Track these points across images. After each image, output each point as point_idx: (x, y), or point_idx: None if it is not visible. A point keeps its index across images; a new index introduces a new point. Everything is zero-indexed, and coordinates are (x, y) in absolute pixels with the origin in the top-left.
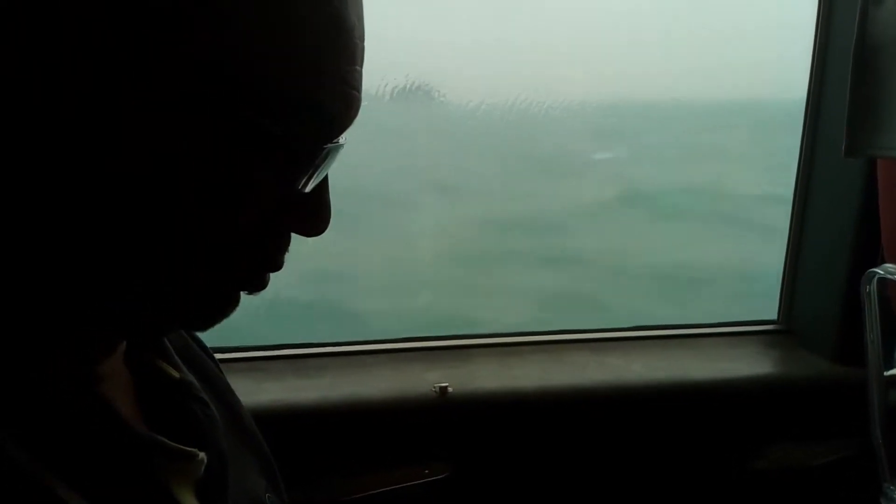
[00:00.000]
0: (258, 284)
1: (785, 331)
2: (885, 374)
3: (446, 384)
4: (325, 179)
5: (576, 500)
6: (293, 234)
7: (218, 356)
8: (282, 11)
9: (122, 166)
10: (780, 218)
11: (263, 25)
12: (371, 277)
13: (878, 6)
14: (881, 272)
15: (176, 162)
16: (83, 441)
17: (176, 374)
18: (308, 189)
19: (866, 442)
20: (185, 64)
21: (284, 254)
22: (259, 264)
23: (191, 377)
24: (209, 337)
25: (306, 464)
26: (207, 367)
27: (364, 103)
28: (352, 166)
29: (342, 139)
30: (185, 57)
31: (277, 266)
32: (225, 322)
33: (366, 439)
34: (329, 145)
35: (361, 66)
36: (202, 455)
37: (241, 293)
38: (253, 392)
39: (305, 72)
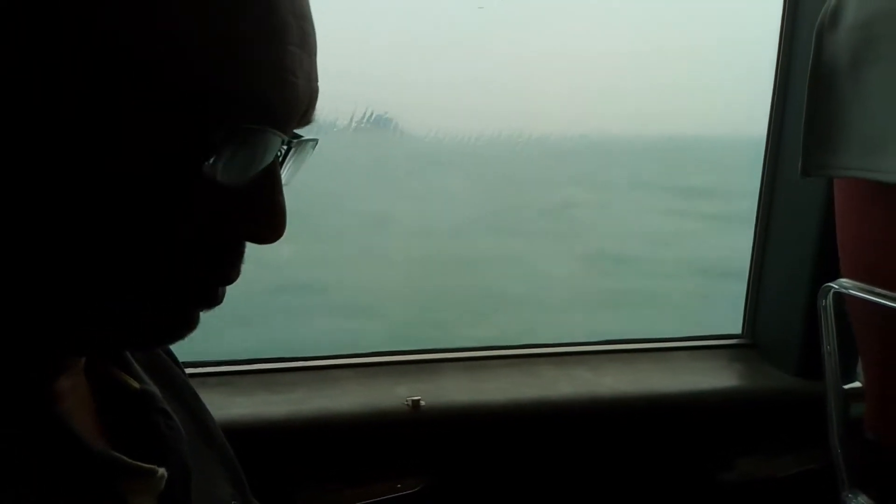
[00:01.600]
0: (211, 299)
1: (749, 345)
2: (844, 387)
3: (418, 398)
4: (276, 179)
5: None
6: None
7: (189, 370)
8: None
9: (47, 178)
10: None
11: (170, 18)
12: None
13: (833, 30)
14: (836, 286)
15: (101, 165)
16: (40, 462)
17: (137, 386)
18: (225, 181)
19: (828, 453)
20: (97, 47)
21: (238, 266)
22: (209, 277)
23: (153, 388)
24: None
25: (278, 479)
26: (174, 375)
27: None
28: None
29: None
30: (95, 37)
31: (230, 279)
32: None
33: (337, 454)
34: (246, 126)
35: (302, 47)
36: (161, 471)
37: (198, 312)
38: (223, 406)
39: (225, 54)
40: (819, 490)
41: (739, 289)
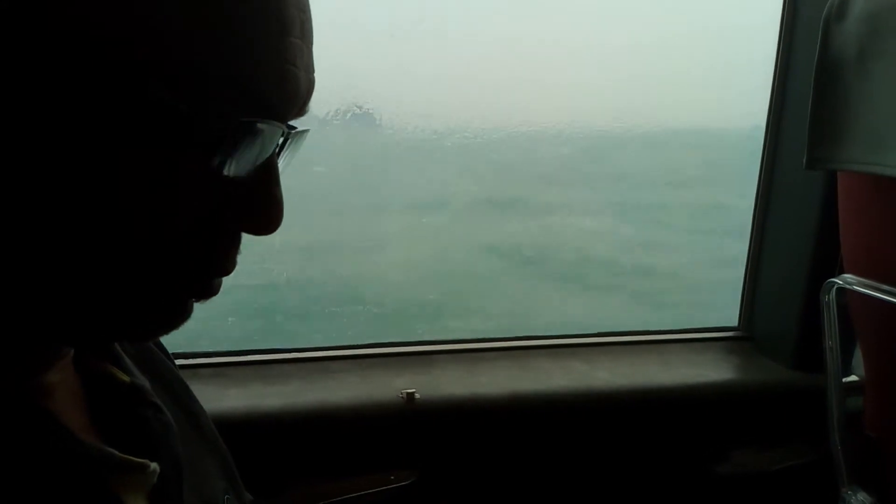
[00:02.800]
0: (206, 290)
1: (745, 337)
2: (843, 380)
3: (413, 390)
4: (273, 171)
5: None
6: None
7: (181, 362)
8: None
9: (45, 171)
10: None
11: (173, 9)
12: None
13: (840, 21)
14: (840, 282)
15: (97, 157)
16: (30, 457)
17: (126, 379)
18: (232, 173)
19: (824, 447)
20: (89, 56)
21: (234, 257)
22: (206, 268)
23: (143, 381)
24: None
25: (272, 471)
26: (164, 367)
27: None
28: None
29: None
30: (89, 48)
31: (227, 270)
32: None
33: (332, 446)
34: (250, 119)
35: (302, 38)
36: (153, 465)
37: (192, 302)
38: (217, 398)
39: (227, 48)
40: (815, 484)
41: None
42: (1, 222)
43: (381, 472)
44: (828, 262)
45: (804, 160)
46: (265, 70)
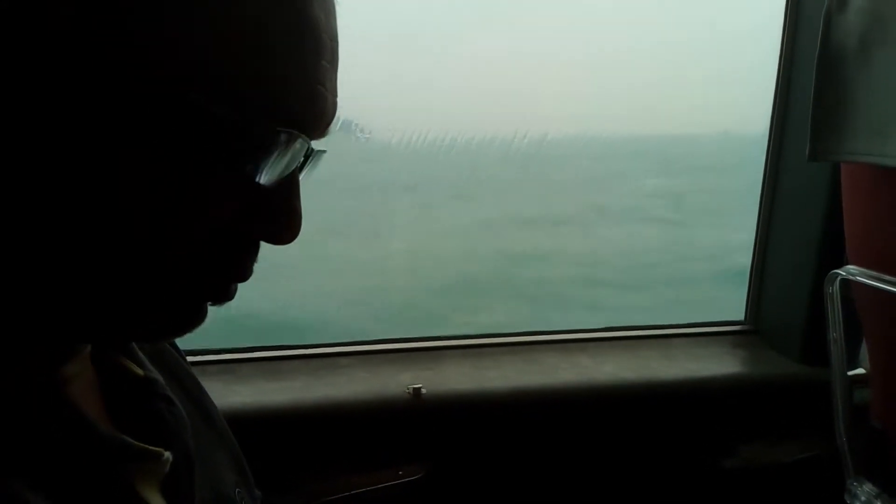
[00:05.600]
0: (224, 295)
1: (752, 331)
2: (849, 373)
3: (420, 385)
4: (295, 184)
5: (549, 500)
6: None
7: (190, 359)
8: (243, 7)
9: (70, 171)
10: None
11: (220, 19)
12: None
13: (841, 12)
14: (843, 273)
15: (123, 161)
16: (49, 444)
17: (140, 372)
18: (264, 181)
19: (832, 440)
20: (133, 60)
21: (252, 264)
22: (225, 273)
23: (156, 374)
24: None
25: (280, 466)
26: (176, 363)
27: None
28: None
29: (320, 144)
30: (134, 52)
31: (244, 276)
32: None
33: (339, 441)
34: (285, 130)
35: (331, 63)
36: (167, 454)
37: (207, 305)
38: (225, 394)
39: (266, 63)
40: (821, 476)
41: None
42: (23, 222)
43: (389, 468)
44: (834, 254)
45: (807, 151)
46: (298, 88)
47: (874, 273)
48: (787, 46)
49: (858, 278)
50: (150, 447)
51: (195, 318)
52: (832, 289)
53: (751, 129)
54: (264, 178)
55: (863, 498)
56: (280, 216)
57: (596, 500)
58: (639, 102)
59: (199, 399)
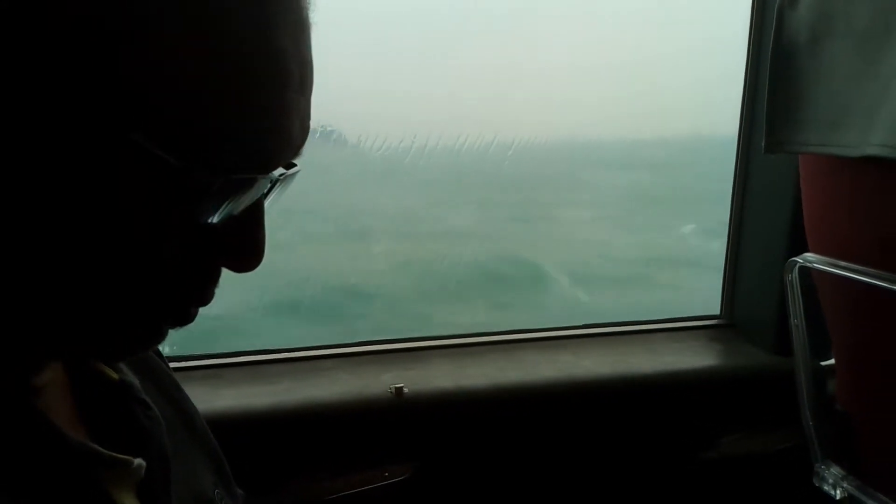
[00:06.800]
0: (183, 318)
1: (727, 325)
2: (822, 363)
3: (402, 385)
4: (258, 214)
5: (533, 495)
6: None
7: (173, 364)
8: (198, 49)
9: (35, 195)
10: None
11: (172, 61)
12: None
13: (792, 8)
14: (801, 261)
15: (84, 191)
16: (19, 455)
17: (115, 376)
18: (216, 221)
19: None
20: (87, 92)
21: (213, 288)
22: (185, 298)
23: (132, 378)
24: None
25: (265, 469)
26: (154, 364)
27: None
28: None
29: (292, 170)
30: (89, 85)
31: (204, 301)
32: None
33: (324, 443)
34: (241, 176)
35: (300, 91)
36: (138, 461)
37: (168, 328)
38: (209, 399)
39: (225, 102)
40: (799, 465)
41: None
42: None
43: (375, 468)
44: (801, 245)
45: (762, 144)
46: (260, 126)
47: (831, 260)
48: (754, 46)
49: (816, 265)
50: (120, 455)
51: (153, 338)
52: (791, 276)
53: (720, 132)
54: (217, 219)
55: (830, 480)
56: (240, 248)
57: (580, 493)
58: (613, 110)
59: (177, 401)
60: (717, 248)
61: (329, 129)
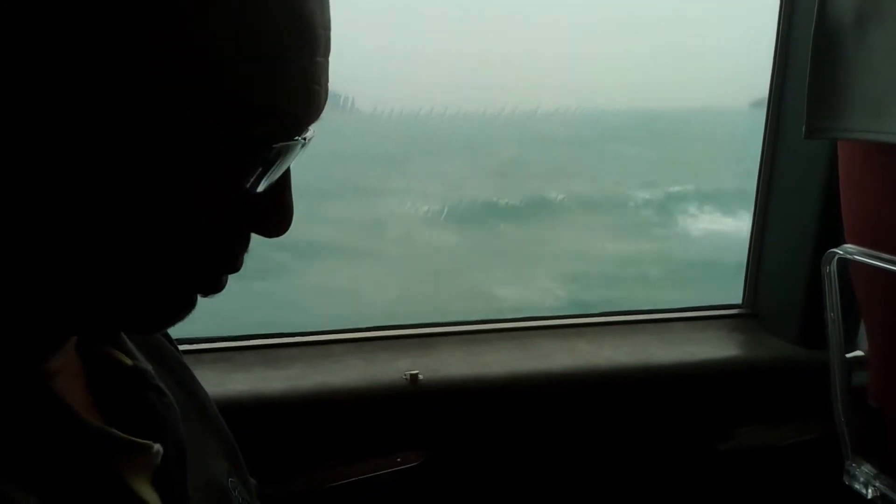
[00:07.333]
0: (214, 286)
1: (750, 315)
2: (847, 355)
3: (416, 371)
4: (287, 178)
5: (547, 484)
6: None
7: (185, 347)
8: (236, 14)
9: (67, 169)
10: None
11: (217, 27)
12: None
13: None
14: (841, 252)
15: (120, 163)
16: (35, 439)
17: (129, 363)
18: (260, 189)
19: (830, 423)
20: (132, 66)
21: (242, 255)
22: (216, 266)
23: (146, 364)
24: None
25: (277, 455)
26: (167, 351)
27: None
28: None
29: (308, 134)
30: (132, 59)
31: (235, 268)
32: None
33: (337, 429)
34: (280, 144)
35: (325, 57)
36: (157, 447)
37: (197, 296)
38: (221, 383)
39: (262, 72)
40: (819, 459)
41: None
42: (20, 216)
43: (388, 455)
44: (832, 235)
45: (803, 130)
46: (295, 93)
47: (872, 252)
48: (784, 25)
49: (856, 257)
50: (139, 440)
51: (185, 308)
52: (829, 268)
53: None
54: (261, 188)
55: (861, 479)
56: (273, 213)
57: (593, 483)
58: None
59: (190, 388)
60: None
61: None
